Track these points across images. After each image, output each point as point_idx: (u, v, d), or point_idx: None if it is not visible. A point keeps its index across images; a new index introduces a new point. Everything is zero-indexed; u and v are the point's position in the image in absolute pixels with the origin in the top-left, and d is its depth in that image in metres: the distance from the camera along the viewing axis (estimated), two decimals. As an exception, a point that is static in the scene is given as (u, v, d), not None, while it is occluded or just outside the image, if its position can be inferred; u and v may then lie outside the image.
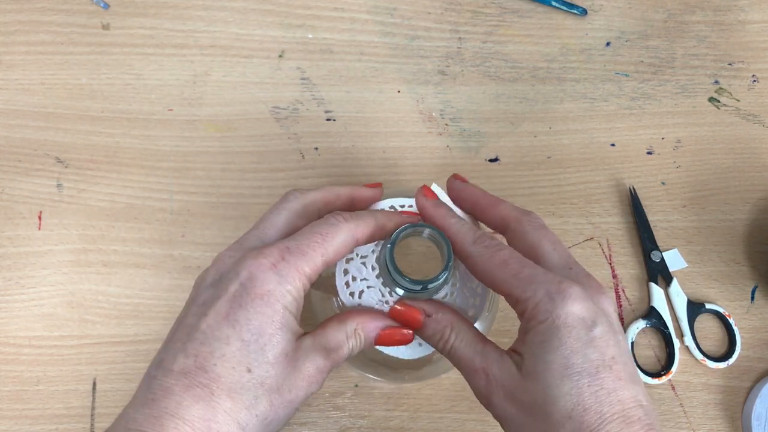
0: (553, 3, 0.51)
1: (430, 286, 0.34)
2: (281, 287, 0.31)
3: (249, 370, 0.30)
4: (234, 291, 0.32)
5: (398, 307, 0.35)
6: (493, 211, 0.36)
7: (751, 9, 0.52)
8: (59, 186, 0.49)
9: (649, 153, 0.50)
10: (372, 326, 0.34)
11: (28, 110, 0.50)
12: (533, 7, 0.52)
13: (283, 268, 0.32)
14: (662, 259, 0.47)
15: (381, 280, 0.36)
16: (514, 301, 0.32)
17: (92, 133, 0.49)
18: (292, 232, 0.35)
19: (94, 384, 0.46)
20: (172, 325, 0.34)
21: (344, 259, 0.37)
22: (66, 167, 0.49)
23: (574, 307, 0.30)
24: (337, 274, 0.37)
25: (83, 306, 0.47)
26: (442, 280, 0.34)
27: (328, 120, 0.50)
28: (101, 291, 0.47)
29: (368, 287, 0.36)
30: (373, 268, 0.36)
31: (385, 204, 0.38)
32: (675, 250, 0.48)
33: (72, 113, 0.50)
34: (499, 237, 0.35)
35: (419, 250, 0.41)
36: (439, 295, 0.36)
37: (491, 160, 0.50)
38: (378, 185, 0.39)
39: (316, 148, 0.49)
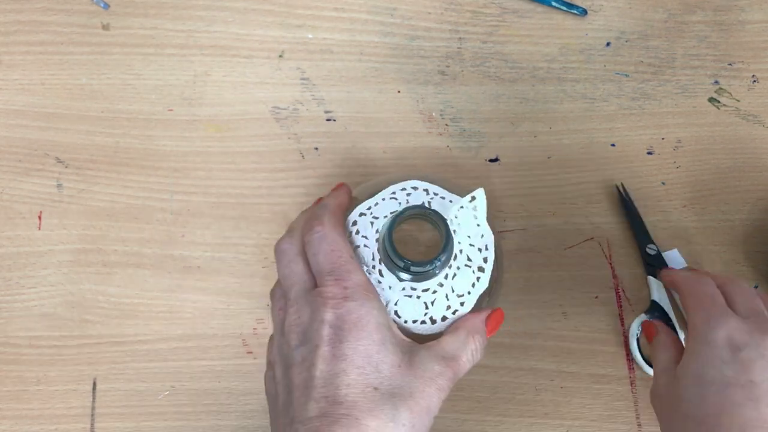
0: (553, 3, 0.51)
1: (429, 267, 0.36)
2: (363, 309, 0.34)
3: (376, 388, 0.32)
4: (328, 335, 0.33)
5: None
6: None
7: (751, 9, 0.52)
8: (59, 186, 0.49)
9: (649, 153, 0.50)
10: (478, 322, 0.37)
11: (28, 110, 0.50)
12: (533, 7, 0.52)
13: (351, 293, 0.34)
14: (658, 251, 0.47)
15: (382, 266, 0.37)
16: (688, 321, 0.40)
17: (92, 133, 0.49)
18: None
19: (94, 384, 0.46)
20: (268, 407, 0.36)
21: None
22: (66, 167, 0.49)
23: (725, 332, 0.36)
24: None
25: (83, 306, 0.47)
26: (443, 260, 0.36)
27: (328, 120, 0.50)
28: (101, 291, 0.47)
29: (369, 273, 0.38)
30: (373, 257, 0.38)
31: (353, 215, 0.39)
32: (675, 251, 0.48)
33: (72, 113, 0.50)
34: None
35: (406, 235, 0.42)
36: (439, 277, 0.38)
37: (491, 161, 0.50)
38: (340, 186, 0.41)
39: (316, 148, 0.49)
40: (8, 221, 0.48)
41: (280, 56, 0.51)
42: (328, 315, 0.34)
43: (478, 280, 0.38)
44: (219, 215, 0.48)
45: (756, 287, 0.48)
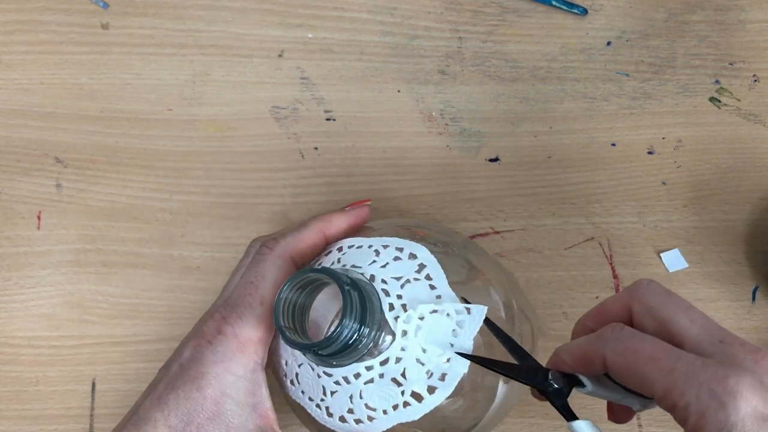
0: (554, 2, 0.51)
1: (330, 347, 0.26)
2: (217, 367, 0.28)
3: None
4: (173, 372, 0.29)
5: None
6: (599, 317, 0.30)
7: (752, 8, 0.52)
8: (58, 186, 0.49)
9: (649, 153, 0.50)
10: None
11: (27, 110, 0.50)
12: (533, 6, 0.52)
13: (218, 344, 0.29)
14: (563, 379, 0.31)
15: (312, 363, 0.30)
16: (670, 406, 0.26)
17: (91, 132, 0.49)
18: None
19: (93, 384, 0.46)
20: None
21: (271, 345, 0.31)
22: (65, 167, 0.49)
23: (749, 407, 0.24)
24: (276, 364, 0.32)
25: (82, 306, 0.47)
26: (346, 336, 0.26)
27: (328, 120, 0.50)
28: (100, 291, 0.47)
29: (299, 365, 0.30)
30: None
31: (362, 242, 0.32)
32: (676, 250, 0.48)
33: (71, 113, 0.50)
34: None
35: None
36: (381, 359, 0.29)
37: (491, 160, 0.50)
38: (362, 204, 0.34)
39: (316, 148, 0.49)
40: (7, 221, 0.48)
41: (280, 56, 0.51)
42: (187, 352, 0.29)
43: (460, 327, 0.29)
44: (218, 215, 0.48)
45: (756, 288, 0.48)
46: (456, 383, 0.29)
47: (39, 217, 0.48)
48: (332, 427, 0.30)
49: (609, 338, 0.27)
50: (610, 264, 0.48)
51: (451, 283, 0.30)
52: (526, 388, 0.30)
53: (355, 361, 0.28)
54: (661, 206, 0.49)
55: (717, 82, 0.51)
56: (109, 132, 0.49)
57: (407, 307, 0.29)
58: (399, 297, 0.29)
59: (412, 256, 0.31)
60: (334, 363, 0.28)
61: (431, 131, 0.50)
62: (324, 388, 0.29)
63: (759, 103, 0.51)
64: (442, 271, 0.30)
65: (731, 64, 0.51)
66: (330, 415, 0.30)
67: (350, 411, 0.29)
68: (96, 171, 0.49)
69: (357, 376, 0.29)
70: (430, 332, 0.29)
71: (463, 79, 0.51)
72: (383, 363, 0.29)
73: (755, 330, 0.47)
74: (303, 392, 0.30)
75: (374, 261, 0.30)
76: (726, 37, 0.51)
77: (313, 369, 0.29)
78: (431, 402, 0.29)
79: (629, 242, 0.48)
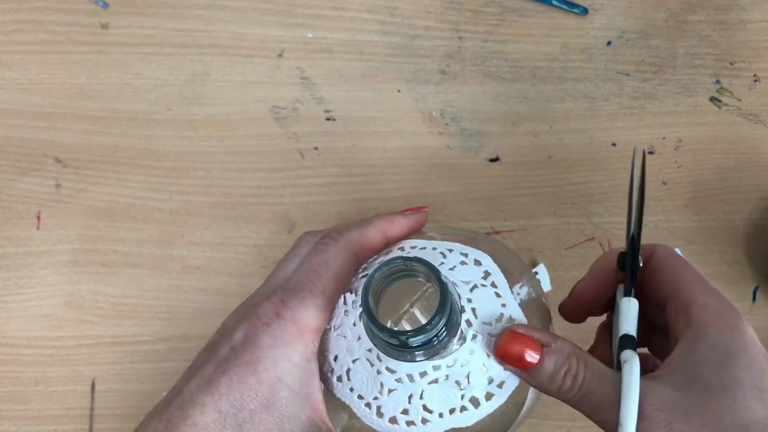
0: (554, 2, 0.51)
1: (432, 330, 0.26)
2: (274, 351, 0.27)
3: None
4: (224, 354, 0.28)
5: (504, 338, 0.28)
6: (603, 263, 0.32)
7: (752, 8, 0.52)
8: (58, 186, 0.48)
9: (650, 153, 0.50)
10: None
11: (26, 110, 0.49)
12: (534, 6, 0.51)
13: (276, 327, 0.27)
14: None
15: (367, 347, 0.29)
16: (681, 305, 0.28)
17: (91, 132, 0.49)
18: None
19: (93, 384, 0.46)
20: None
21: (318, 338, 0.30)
22: (65, 167, 0.49)
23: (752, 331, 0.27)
24: (321, 359, 0.30)
25: (82, 306, 0.47)
26: (437, 328, 0.26)
27: (327, 120, 0.50)
28: (100, 291, 0.47)
29: (354, 361, 0.29)
30: (355, 337, 0.29)
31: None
32: (676, 250, 0.48)
33: (71, 113, 0.49)
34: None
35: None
36: (449, 361, 0.28)
37: (492, 160, 0.49)
38: (420, 210, 0.33)
39: (316, 148, 0.49)
40: (7, 221, 0.48)
41: (280, 55, 0.51)
42: (239, 334, 0.28)
43: None
44: (218, 215, 0.48)
45: (757, 288, 0.48)
46: (512, 391, 0.29)
47: (38, 217, 0.48)
48: (377, 428, 0.29)
49: (661, 244, 0.30)
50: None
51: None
52: (546, 396, 0.30)
53: (427, 359, 0.28)
54: (661, 206, 0.49)
55: (718, 81, 0.51)
56: (109, 132, 0.49)
57: (476, 313, 0.29)
58: (469, 301, 0.29)
59: (477, 263, 0.30)
60: (409, 357, 0.28)
61: (431, 131, 0.50)
62: (382, 385, 0.28)
63: (759, 102, 0.50)
64: (505, 280, 0.30)
65: (732, 63, 0.51)
66: (380, 414, 0.29)
67: (405, 412, 0.29)
68: (95, 171, 0.49)
69: (423, 374, 0.28)
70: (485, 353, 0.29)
71: (464, 78, 0.50)
72: (450, 365, 0.28)
73: (756, 330, 0.47)
74: (352, 389, 0.29)
75: (442, 263, 0.30)
76: (726, 37, 0.51)
77: (372, 365, 0.28)
78: (487, 408, 0.29)
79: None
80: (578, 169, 0.49)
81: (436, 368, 0.28)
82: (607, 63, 0.51)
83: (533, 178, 0.49)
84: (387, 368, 0.28)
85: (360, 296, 0.27)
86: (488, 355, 0.29)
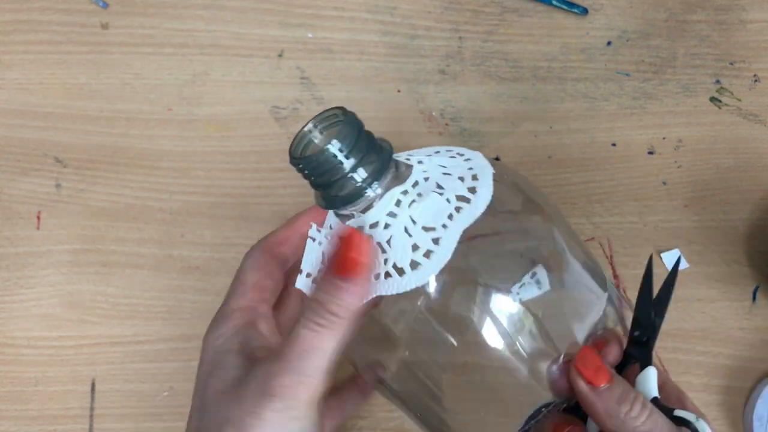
0: (554, 2, 0.51)
1: (329, 155, 0.28)
2: (208, 336, 0.32)
3: (197, 429, 0.29)
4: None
5: (587, 352, 0.30)
6: None
7: (752, 8, 0.52)
8: (58, 186, 0.48)
9: (650, 153, 0.50)
10: (324, 273, 0.28)
11: (26, 110, 0.49)
12: (534, 6, 0.51)
13: (213, 323, 0.32)
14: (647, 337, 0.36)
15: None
16: None
17: (91, 132, 0.49)
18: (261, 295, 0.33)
19: (93, 384, 0.46)
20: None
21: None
22: (65, 167, 0.49)
23: None
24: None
25: (82, 306, 0.47)
26: (353, 149, 0.28)
27: (327, 120, 0.50)
28: (100, 291, 0.47)
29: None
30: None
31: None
32: (676, 251, 0.48)
33: (71, 113, 0.49)
34: None
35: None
36: (385, 202, 0.28)
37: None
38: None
39: (316, 148, 0.49)
40: (7, 221, 0.48)
41: (280, 55, 0.51)
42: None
43: (457, 211, 0.27)
44: (218, 215, 0.48)
45: (757, 288, 0.48)
46: (442, 264, 0.27)
47: (38, 217, 0.48)
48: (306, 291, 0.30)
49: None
50: (611, 264, 0.48)
51: (503, 211, 0.29)
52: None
53: (345, 206, 0.28)
54: (661, 206, 0.49)
55: (718, 81, 0.51)
56: (109, 132, 0.49)
57: (422, 182, 0.28)
58: (425, 179, 0.28)
59: (468, 160, 0.30)
60: (325, 196, 0.29)
61: (431, 131, 0.50)
62: (320, 255, 0.29)
63: (759, 103, 0.50)
64: (491, 179, 0.29)
65: (732, 63, 0.51)
66: (308, 275, 0.29)
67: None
68: (95, 171, 0.49)
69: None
70: (426, 209, 0.27)
71: (464, 78, 0.50)
72: (373, 225, 0.27)
73: (756, 330, 0.47)
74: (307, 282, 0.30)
75: (430, 155, 0.29)
76: (727, 37, 0.51)
77: (314, 240, 0.29)
78: (413, 278, 0.27)
79: (630, 242, 0.48)
80: (578, 169, 0.49)
81: (360, 228, 0.27)
82: (607, 63, 0.51)
83: (533, 178, 0.49)
84: (326, 236, 0.28)
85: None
86: (414, 222, 0.27)
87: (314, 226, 0.30)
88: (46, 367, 0.46)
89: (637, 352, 0.34)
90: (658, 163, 0.50)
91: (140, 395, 0.46)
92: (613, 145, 0.50)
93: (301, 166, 0.28)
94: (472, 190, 0.28)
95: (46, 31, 0.50)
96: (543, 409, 0.29)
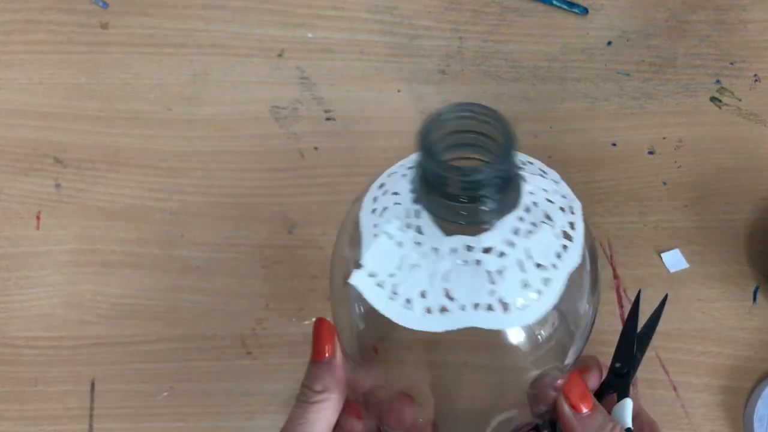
0: (554, 2, 0.51)
1: (475, 177, 0.22)
2: None
3: None
4: None
5: (575, 378, 0.31)
6: None
7: (752, 8, 0.52)
8: (58, 186, 0.48)
9: (650, 153, 0.50)
10: None
11: (26, 110, 0.49)
12: (534, 6, 0.51)
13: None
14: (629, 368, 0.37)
15: (422, 219, 0.24)
16: None
17: (91, 132, 0.49)
18: None
19: (93, 385, 0.46)
20: None
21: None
22: (64, 167, 0.49)
23: None
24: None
25: (82, 306, 0.47)
26: (496, 174, 0.22)
27: (327, 120, 0.50)
28: (100, 291, 0.47)
29: (375, 235, 0.25)
30: (407, 214, 0.25)
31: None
32: (676, 251, 0.48)
33: (70, 113, 0.49)
34: None
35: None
36: (505, 227, 0.24)
37: (492, 160, 0.49)
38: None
39: (316, 148, 0.49)
40: (6, 221, 0.48)
41: (280, 55, 0.50)
42: None
43: (564, 249, 0.25)
44: (218, 215, 0.48)
45: (757, 288, 0.48)
46: (548, 308, 0.24)
47: (38, 217, 0.48)
48: (387, 313, 0.25)
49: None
50: (611, 264, 0.48)
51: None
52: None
53: (468, 224, 0.24)
54: (661, 206, 0.49)
55: (718, 81, 0.51)
56: (109, 132, 0.49)
57: (533, 208, 0.24)
58: (534, 204, 0.25)
59: (557, 183, 0.27)
60: (447, 215, 0.24)
61: (431, 131, 0.50)
62: (402, 259, 0.25)
63: (760, 102, 0.50)
64: (582, 215, 0.26)
65: (732, 63, 0.51)
66: (394, 294, 0.24)
67: (423, 294, 0.24)
68: (95, 171, 0.49)
69: (453, 251, 0.24)
70: (539, 242, 0.24)
71: (464, 78, 0.50)
72: (486, 251, 0.24)
73: (756, 330, 0.47)
74: (371, 274, 0.25)
75: (526, 168, 0.26)
76: (727, 37, 0.51)
77: (391, 237, 0.25)
78: (516, 318, 0.24)
79: (630, 242, 0.48)
80: (578, 169, 0.49)
81: (469, 248, 0.24)
82: (608, 63, 0.51)
83: (533, 178, 0.49)
84: (418, 228, 0.24)
85: (418, 137, 0.24)
86: (529, 257, 0.24)
87: (396, 223, 0.25)
88: (46, 367, 0.46)
89: (616, 382, 0.36)
90: (658, 163, 0.50)
91: (140, 395, 0.46)
92: (614, 145, 0.50)
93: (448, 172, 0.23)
94: (573, 225, 0.25)
95: (46, 31, 0.50)
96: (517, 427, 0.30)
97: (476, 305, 0.24)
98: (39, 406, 0.46)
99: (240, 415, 0.46)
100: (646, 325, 0.37)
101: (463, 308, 0.24)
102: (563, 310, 0.27)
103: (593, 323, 0.29)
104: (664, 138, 0.50)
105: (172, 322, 0.47)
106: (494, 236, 0.24)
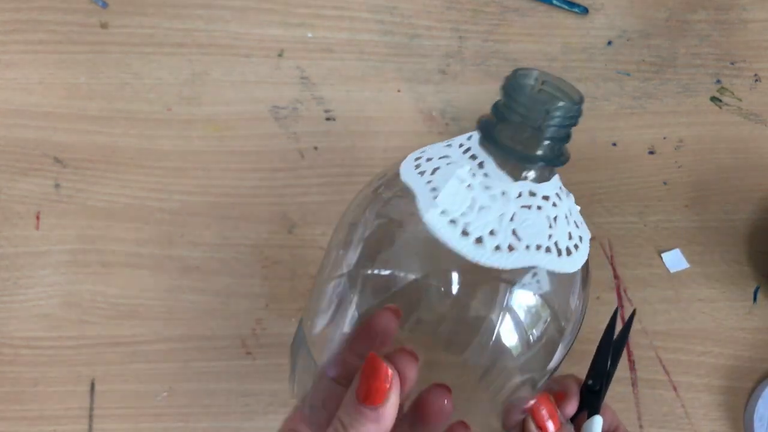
0: (554, 2, 0.51)
1: (561, 109, 0.26)
2: None
3: None
4: None
5: (542, 400, 0.33)
6: None
7: (753, 8, 0.52)
8: (57, 186, 0.48)
9: (650, 152, 0.50)
10: (347, 397, 0.28)
11: (26, 109, 0.49)
12: (534, 5, 0.51)
13: None
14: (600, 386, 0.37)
15: (488, 164, 0.27)
16: None
17: (90, 132, 0.49)
18: None
19: (93, 385, 0.46)
20: None
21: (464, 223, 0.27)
22: (64, 167, 0.49)
23: None
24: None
25: (81, 306, 0.47)
26: (572, 113, 0.27)
27: (327, 119, 0.50)
28: (99, 291, 0.47)
29: (449, 164, 0.28)
30: (472, 156, 0.28)
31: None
32: (677, 251, 0.48)
33: (70, 113, 0.49)
34: None
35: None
36: (545, 190, 0.27)
37: (492, 160, 0.49)
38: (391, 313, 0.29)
39: (316, 148, 0.49)
40: (6, 221, 0.48)
41: (280, 55, 0.50)
42: None
43: (581, 223, 0.30)
44: (218, 215, 0.48)
45: (758, 288, 0.48)
46: (585, 258, 0.28)
47: (38, 218, 0.48)
48: (459, 249, 0.26)
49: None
50: (611, 264, 0.48)
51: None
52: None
53: (527, 171, 0.27)
54: (662, 206, 0.49)
55: (718, 81, 0.51)
56: (108, 132, 0.49)
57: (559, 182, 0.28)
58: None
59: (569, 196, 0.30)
60: (515, 159, 0.27)
61: (431, 131, 0.50)
62: (473, 201, 0.27)
63: (760, 102, 0.50)
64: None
65: (732, 63, 0.51)
66: (465, 233, 0.26)
67: (492, 233, 0.26)
68: (95, 171, 0.49)
69: (519, 195, 0.27)
70: (573, 205, 0.29)
71: (464, 78, 0.50)
72: (545, 198, 0.27)
73: (756, 330, 0.47)
74: (443, 212, 0.27)
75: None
76: (727, 37, 0.51)
77: (462, 181, 0.27)
78: (567, 263, 0.27)
79: (630, 242, 0.48)
80: (579, 169, 0.49)
81: (532, 194, 0.27)
82: (608, 63, 0.51)
83: (533, 178, 0.49)
84: (483, 185, 0.27)
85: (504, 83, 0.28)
86: (570, 212, 0.28)
87: (467, 167, 0.27)
88: (46, 367, 0.46)
89: (588, 399, 0.36)
90: (658, 163, 0.49)
91: (140, 396, 0.46)
92: (614, 144, 0.50)
93: (544, 108, 0.26)
94: (578, 225, 0.29)
95: (46, 31, 0.50)
96: None
97: (538, 246, 0.26)
98: (38, 407, 0.46)
99: (240, 415, 0.46)
100: (617, 341, 0.37)
101: (527, 248, 0.26)
102: (556, 301, 0.29)
103: (582, 319, 0.30)
104: (664, 138, 0.50)
105: (171, 323, 0.47)
106: (551, 187, 0.27)
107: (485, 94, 0.50)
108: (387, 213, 0.30)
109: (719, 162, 0.50)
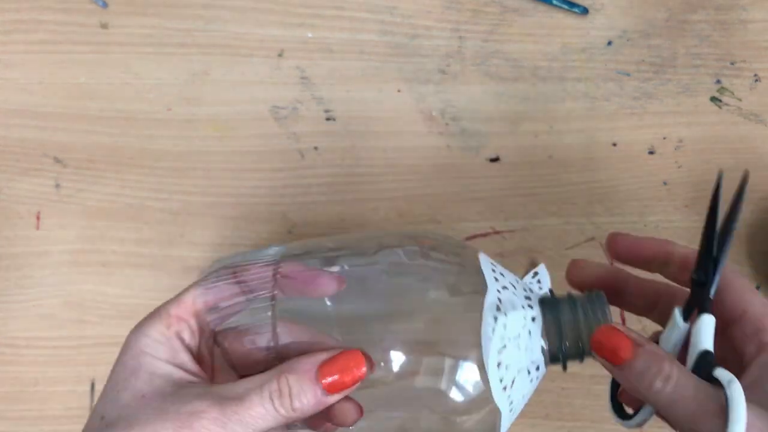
0: (554, 2, 0.51)
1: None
2: (136, 334, 0.30)
3: (102, 417, 0.28)
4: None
5: (602, 330, 0.29)
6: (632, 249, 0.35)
7: (753, 8, 0.52)
8: (57, 186, 0.48)
9: (650, 153, 0.50)
10: (305, 362, 0.28)
11: (26, 109, 0.49)
12: (534, 5, 0.51)
13: (142, 323, 0.30)
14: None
15: (530, 355, 0.31)
16: (751, 329, 0.29)
17: (91, 132, 0.49)
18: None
19: (93, 385, 0.46)
20: None
21: (497, 350, 0.31)
22: (64, 167, 0.49)
23: None
24: (489, 367, 0.31)
25: (82, 306, 0.47)
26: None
27: (327, 120, 0.50)
28: (100, 291, 0.47)
29: (519, 371, 0.31)
30: (526, 349, 0.31)
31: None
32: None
33: (70, 113, 0.49)
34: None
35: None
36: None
37: (492, 160, 0.49)
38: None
39: (316, 148, 0.49)
40: (6, 221, 0.48)
41: (280, 55, 0.50)
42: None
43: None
44: (218, 215, 0.48)
45: (758, 288, 0.48)
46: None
47: (38, 218, 0.48)
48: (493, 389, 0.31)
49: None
50: (612, 264, 0.48)
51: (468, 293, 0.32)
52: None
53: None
54: (662, 206, 0.49)
55: (718, 81, 0.51)
56: (109, 132, 0.49)
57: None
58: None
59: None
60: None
61: (431, 131, 0.50)
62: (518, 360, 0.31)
63: (760, 102, 0.50)
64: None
65: (732, 63, 0.51)
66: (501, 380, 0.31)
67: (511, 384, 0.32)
68: (95, 171, 0.49)
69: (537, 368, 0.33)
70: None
71: (464, 78, 0.50)
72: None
73: (756, 330, 0.47)
74: (511, 402, 0.32)
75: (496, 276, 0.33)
76: (727, 37, 0.51)
77: (529, 372, 0.32)
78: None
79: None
80: (579, 169, 0.49)
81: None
82: (608, 63, 0.51)
83: (534, 178, 0.49)
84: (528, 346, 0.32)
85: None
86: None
87: (527, 314, 0.33)
88: (46, 367, 0.46)
89: (695, 294, 0.30)
90: (658, 163, 0.50)
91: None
92: (614, 144, 0.50)
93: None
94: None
95: (46, 31, 0.50)
96: None
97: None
98: (39, 407, 0.46)
99: (240, 415, 0.46)
100: (726, 219, 0.31)
101: (512, 404, 0.32)
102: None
103: None
104: (664, 138, 0.50)
105: (172, 322, 0.47)
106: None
107: (485, 94, 0.50)
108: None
109: (719, 162, 0.50)
